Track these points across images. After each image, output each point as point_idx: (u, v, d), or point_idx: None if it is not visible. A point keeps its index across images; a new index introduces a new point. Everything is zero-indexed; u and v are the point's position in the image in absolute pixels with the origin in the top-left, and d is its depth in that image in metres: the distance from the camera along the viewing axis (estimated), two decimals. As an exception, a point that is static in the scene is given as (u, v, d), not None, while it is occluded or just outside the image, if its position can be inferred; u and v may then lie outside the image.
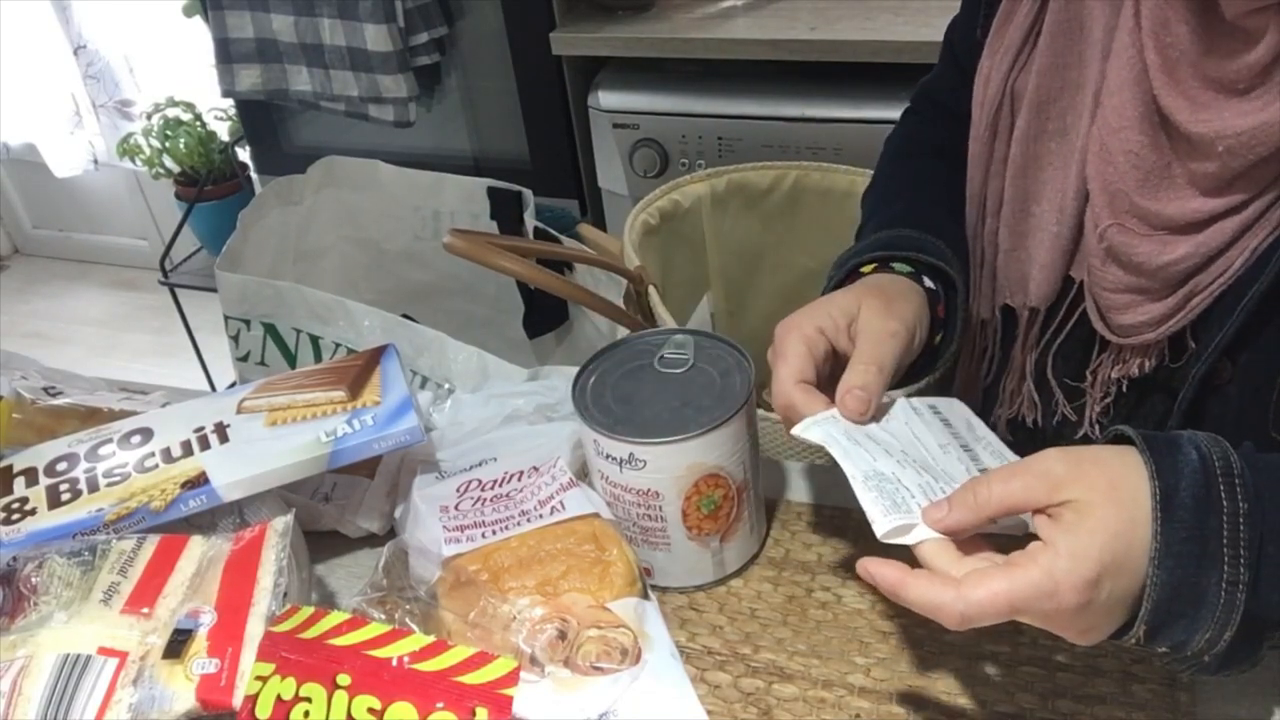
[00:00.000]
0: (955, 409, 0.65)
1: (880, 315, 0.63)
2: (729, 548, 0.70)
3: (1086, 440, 0.71)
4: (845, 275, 0.71)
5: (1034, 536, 0.51)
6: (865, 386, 0.60)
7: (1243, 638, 0.48)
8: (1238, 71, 0.53)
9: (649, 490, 0.66)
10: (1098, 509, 0.48)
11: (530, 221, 1.23)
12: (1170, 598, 0.47)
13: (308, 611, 0.59)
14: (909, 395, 0.65)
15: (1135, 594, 0.48)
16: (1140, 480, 0.48)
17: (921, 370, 0.71)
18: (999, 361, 0.77)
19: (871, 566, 0.53)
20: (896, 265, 0.69)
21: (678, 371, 0.69)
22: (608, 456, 0.66)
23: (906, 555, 0.53)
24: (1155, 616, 0.48)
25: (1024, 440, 0.76)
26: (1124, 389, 0.68)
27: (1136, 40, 0.58)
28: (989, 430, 0.64)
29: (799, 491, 0.78)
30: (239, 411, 0.76)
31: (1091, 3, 0.62)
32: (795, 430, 0.60)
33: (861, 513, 0.75)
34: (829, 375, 0.63)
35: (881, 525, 0.53)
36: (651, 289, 1.13)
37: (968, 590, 0.48)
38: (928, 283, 0.69)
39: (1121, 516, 0.48)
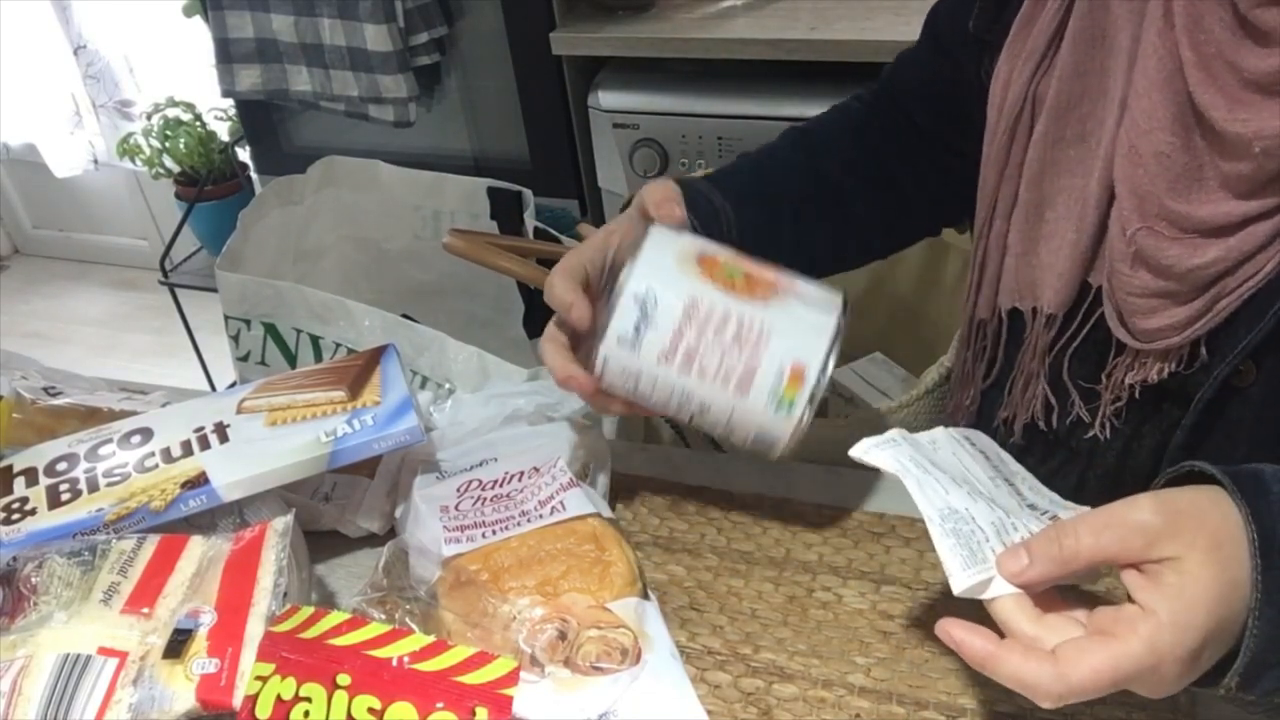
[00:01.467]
0: (984, 440, 0.64)
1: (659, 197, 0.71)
2: (808, 282, 0.64)
3: (1097, 442, 0.71)
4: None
5: (1095, 578, 0.49)
6: (674, 196, 0.69)
7: None
8: (1273, 72, 0.53)
9: (686, 310, 0.61)
10: (1201, 571, 0.45)
11: (530, 221, 1.23)
12: (1267, 649, 0.46)
13: (308, 611, 0.59)
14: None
15: (1232, 647, 0.47)
16: (1238, 532, 0.46)
17: None
18: (1000, 364, 0.77)
19: (956, 633, 0.49)
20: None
21: None
22: (637, 332, 0.61)
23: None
24: (1250, 669, 0.46)
25: (1034, 442, 0.76)
26: (1136, 394, 0.67)
27: (1168, 39, 0.58)
28: (1015, 461, 0.63)
29: (800, 491, 0.78)
30: (239, 411, 0.76)
31: (1116, 10, 0.61)
32: (855, 452, 0.57)
33: (864, 513, 0.75)
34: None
35: (960, 582, 0.50)
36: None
37: (1067, 669, 0.45)
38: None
39: (1224, 579, 0.45)
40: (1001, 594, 0.50)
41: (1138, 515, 0.47)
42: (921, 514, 0.53)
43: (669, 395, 0.63)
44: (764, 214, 0.77)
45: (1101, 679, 0.45)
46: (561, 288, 0.66)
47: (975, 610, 0.52)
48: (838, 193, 0.81)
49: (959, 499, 0.54)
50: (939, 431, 0.62)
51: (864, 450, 0.57)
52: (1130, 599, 0.47)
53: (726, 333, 0.61)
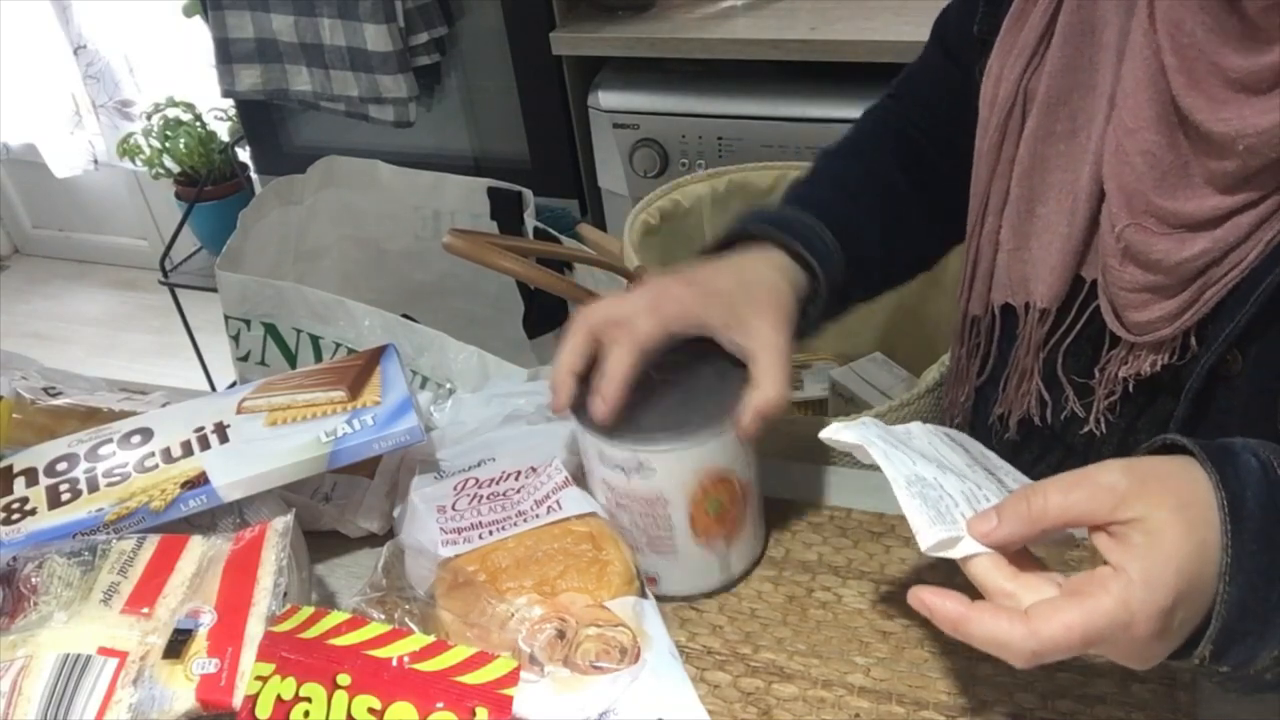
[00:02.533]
0: (968, 440, 0.64)
1: (763, 304, 0.67)
2: (735, 550, 0.70)
3: (1093, 436, 0.71)
4: (725, 241, 0.74)
5: (1069, 544, 0.50)
6: (776, 402, 0.64)
7: None
8: (1257, 71, 0.53)
9: (656, 497, 0.66)
10: (1169, 530, 0.45)
11: (530, 221, 1.23)
12: (1240, 615, 0.46)
13: (308, 611, 0.59)
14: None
15: (1204, 615, 0.47)
16: (1207, 495, 0.47)
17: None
18: (994, 360, 0.77)
19: (928, 598, 0.50)
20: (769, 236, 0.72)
21: (675, 376, 0.69)
22: (613, 465, 0.66)
23: (953, 571, 0.51)
24: (1223, 636, 0.46)
25: (1030, 438, 0.76)
26: (1130, 388, 0.68)
27: (1152, 41, 0.58)
28: (1004, 460, 0.63)
29: (800, 491, 0.78)
30: (239, 411, 0.76)
31: (1104, 6, 0.62)
32: (825, 434, 0.58)
33: (864, 513, 0.75)
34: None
35: (927, 538, 0.51)
36: (651, 289, 1.13)
37: (1038, 625, 0.45)
38: (796, 248, 0.71)
39: (1194, 538, 0.46)
40: (972, 553, 0.50)
41: (1106, 477, 0.48)
42: (889, 479, 0.54)
43: None
44: (859, 242, 0.76)
45: (1073, 634, 0.45)
46: (563, 381, 0.66)
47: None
48: (906, 203, 0.81)
49: (928, 470, 0.55)
50: (915, 425, 0.63)
51: (833, 431, 0.58)
52: (1103, 562, 0.47)
53: (662, 530, 0.68)
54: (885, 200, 0.81)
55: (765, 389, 0.64)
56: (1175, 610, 0.45)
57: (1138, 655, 0.47)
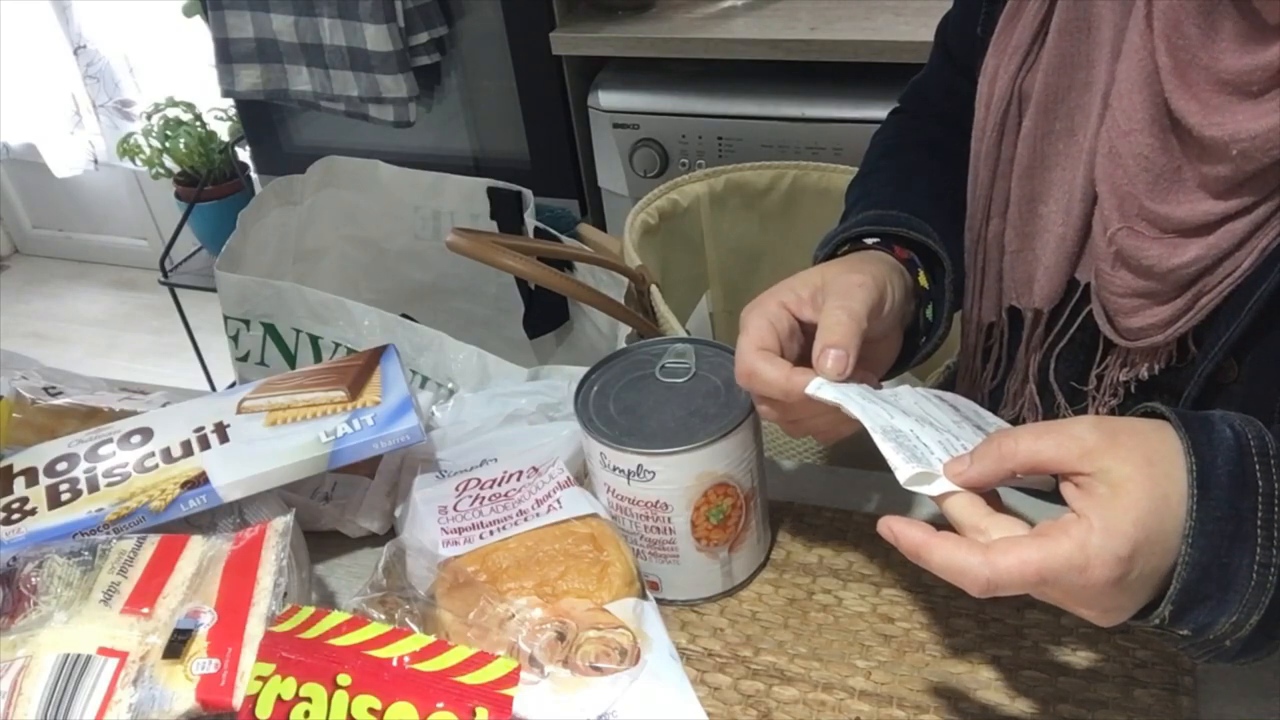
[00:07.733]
0: (961, 400, 0.64)
1: (845, 272, 0.64)
2: (737, 558, 0.70)
3: None
4: (825, 256, 0.71)
5: (1053, 497, 0.51)
6: (839, 343, 0.59)
7: (1268, 623, 0.48)
8: (1251, 74, 0.53)
9: (658, 502, 0.66)
10: (1132, 483, 0.47)
11: (530, 221, 1.23)
12: (1200, 578, 0.47)
13: (308, 611, 0.59)
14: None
15: (1164, 573, 0.48)
16: (1175, 456, 0.48)
17: (913, 353, 0.71)
18: (1004, 364, 0.77)
19: (895, 526, 0.51)
20: (868, 241, 0.70)
21: (680, 380, 0.69)
22: (615, 469, 0.66)
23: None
24: (1183, 596, 0.47)
25: None
26: (1132, 389, 0.68)
27: (1148, 41, 0.58)
28: (998, 418, 0.64)
29: (800, 493, 0.78)
30: (239, 411, 0.76)
31: (1101, 2, 0.61)
32: (809, 389, 0.59)
33: (865, 515, 0.75)
34: (798, 355, 0.63)
35: (905, 471, 0.52)
36: (654, 287, 1.13)
37: (996, 556, 0.47)
38: (900, 252, 0.69)
39: (1156, 493, 0.47)
40: (948, 490, 0.51)
41: (1076, 429, 0.49)
42: (866, 428, 0.54)
43: None
44: (947, 221, 0.74)
45: (1028, 569, 0.46)
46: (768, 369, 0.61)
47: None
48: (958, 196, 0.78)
49: (904, 424, 0.55)
50: (904, 388, 0.63)
51: (816, 387, 0.59)
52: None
53: (663, 536, 0.68)
54: (944, 195, 0.77)
55: (822, 331, 0.60)
56: (1133, 559, 0.46)
57: (1096, 603, 0.48)
